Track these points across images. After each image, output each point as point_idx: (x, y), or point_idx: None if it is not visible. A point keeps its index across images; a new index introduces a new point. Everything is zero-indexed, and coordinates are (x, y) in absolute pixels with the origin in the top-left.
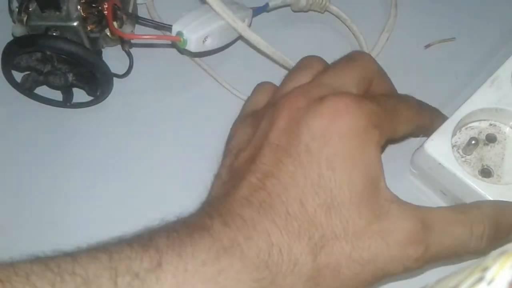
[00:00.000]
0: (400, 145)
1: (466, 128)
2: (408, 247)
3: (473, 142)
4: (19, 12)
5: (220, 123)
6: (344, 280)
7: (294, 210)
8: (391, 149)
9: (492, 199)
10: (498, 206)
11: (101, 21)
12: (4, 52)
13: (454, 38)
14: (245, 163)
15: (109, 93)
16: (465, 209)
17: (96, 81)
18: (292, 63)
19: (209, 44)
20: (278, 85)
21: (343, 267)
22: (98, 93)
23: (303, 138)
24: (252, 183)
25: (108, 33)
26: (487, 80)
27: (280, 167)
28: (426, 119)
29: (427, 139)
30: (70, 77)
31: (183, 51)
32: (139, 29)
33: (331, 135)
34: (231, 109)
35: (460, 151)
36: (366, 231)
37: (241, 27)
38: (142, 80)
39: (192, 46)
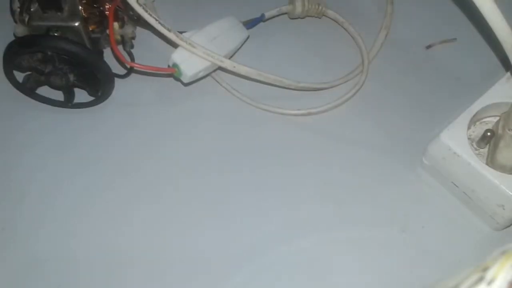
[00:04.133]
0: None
1: (481, 123)
2: None
3: (488, 133)
4: (21, 13)
5: (221, 123)
6: None
7: None
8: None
9: (505, 188)
10: None
11: (103, 22)
12: (5, 52)
13: (456, 38)
14: None
15: (111, 94)
16: None
17: (97, 81)
18: (288, 81)
19: (202, 75)
20: None
21: None
22: (99, 94)
23: None
24: None
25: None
26: (504, 76)
27: None
28: None
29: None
30: (72, 77)
31: (176, 79)
32: (139, 29)
33: None
34: (233, 109)
35: (474, 144)
36: None
37: (230, 64)
38: (144, 81)
39: (186, 79)
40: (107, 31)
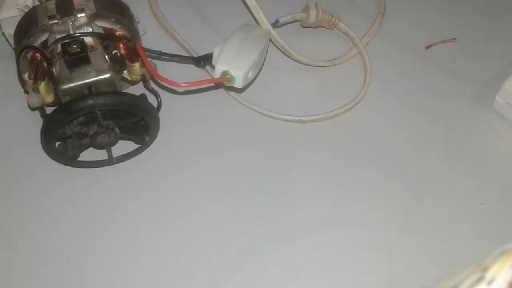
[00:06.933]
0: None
1: None
2: None
3: None
4: (35, 81)
5: (220, 124)
6: None
7: None
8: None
9: None
10: None
11: (123, 64)
12: (47, 124)
13: (455, 38)
14: None
15: (156, 136)
16: None
17: (145, 126)
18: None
19: (251, 76)
20: None
21: None
22: (147, 139)
23: None
24: None
25: (127, 75)
26: None
27: None
28: None
29: None
30: (117, 131)
31: (228, 89)
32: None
33: None
34: (233, 110)
35: None
36: None
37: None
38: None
39: (240, 82)
40: (124, 72)
